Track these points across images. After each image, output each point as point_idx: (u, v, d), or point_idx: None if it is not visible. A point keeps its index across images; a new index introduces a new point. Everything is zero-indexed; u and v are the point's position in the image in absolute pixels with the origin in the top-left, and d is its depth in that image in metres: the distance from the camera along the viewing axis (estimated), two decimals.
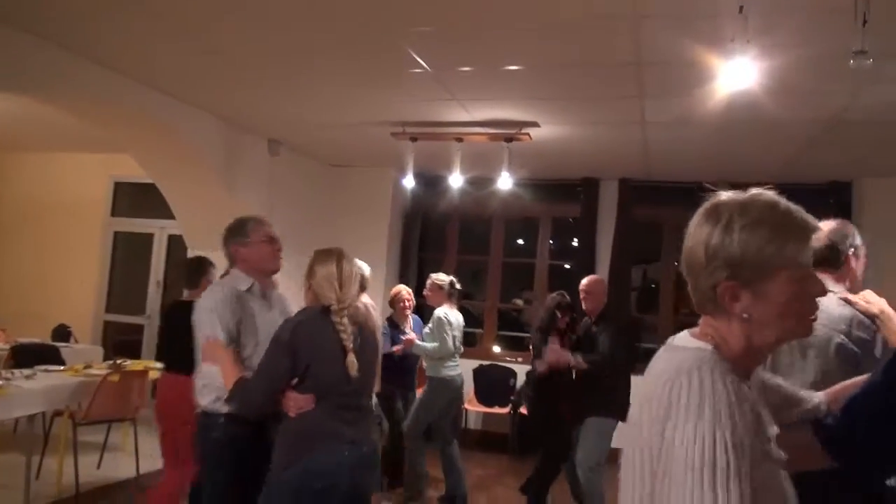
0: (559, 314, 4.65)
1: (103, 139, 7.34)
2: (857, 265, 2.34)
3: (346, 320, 2.37)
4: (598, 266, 7.03)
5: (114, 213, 8.11)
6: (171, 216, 7.74)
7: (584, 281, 4.66)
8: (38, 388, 4.30)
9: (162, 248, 7.82)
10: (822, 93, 4.01)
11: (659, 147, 5.61)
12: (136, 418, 5.06)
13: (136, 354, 7.60)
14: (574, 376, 4.49)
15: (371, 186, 7.43)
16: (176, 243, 7.80)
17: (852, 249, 2.32)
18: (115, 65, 4.58)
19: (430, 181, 7.44)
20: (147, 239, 7.91)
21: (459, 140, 5.45)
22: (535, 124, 5.19)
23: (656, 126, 5.01)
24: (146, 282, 7.83)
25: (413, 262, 7.52)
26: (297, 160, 7.02)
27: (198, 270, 4.07)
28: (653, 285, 7.79)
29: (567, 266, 7.72)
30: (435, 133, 5.46)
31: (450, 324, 4.81)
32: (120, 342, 7.82)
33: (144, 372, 5.01)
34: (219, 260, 5.26)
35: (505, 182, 5.61)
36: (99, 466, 5.18)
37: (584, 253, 7.05)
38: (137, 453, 5.00)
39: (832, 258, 2.23)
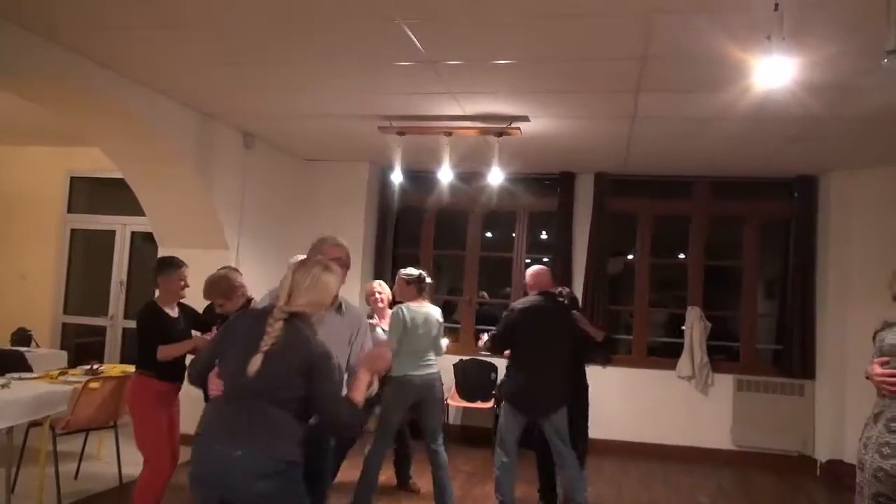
0: None
1: (58, 132, 6.98)
2: None
3: (278, 324, 2.39)
4: (575, 259, 7.09)
5: (70, 209, 7.72)
6: (133, 213, 7.46)
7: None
8: (17, 398, 4.05)
9: (125, 246, 7.48)
10: (829, 90, 4.09)
11: (642, 141, 5.67)
12: (117, 426, 4.84)
13: (98, 357, 7.27)
14: None
15: (346, 181, 7.28)
16: (140, 241, 7.49)
17: None
18: (84, 50, 4.29)
19: (407, 176, 7.37)
20: (108, 236, 7.55)
21: (448, 134, 5.38)
22: (525, 118, 5.17)
23: (646, 121, 5.06)
24: (108, 281, 7.48)
25: (388, 258, 7.43)
26: (272, 154, 6.82)
27: (155, 271, 4.11)
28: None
29: (526, 261, 7.75)
30: (423, 127, 5.38)
31: (411, 320, 4.41)
32: (80, 345, 7.48)
33: (125, 377, 4.77)
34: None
35: (495, 177, 5.59)
36: (76, 477, 4.92)
37: (562, 246, 7.10)
38: (119, 461, 4.79)
39: None
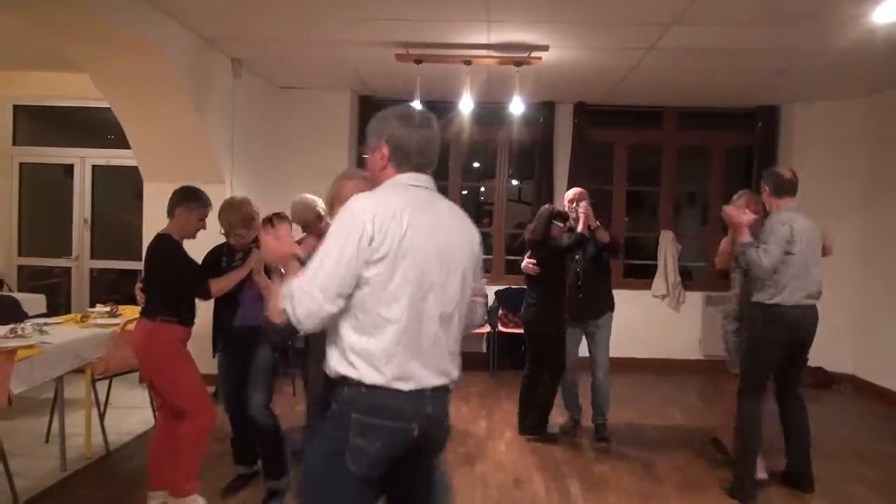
0: (557, 223, 4.74)
1: None
2: None
3: None
4: (557, 188, 7.33)
5: (16, 141, 7.04)
6: (93, 144, 6.98)
7: (570, 192, 4.93)
8: (66, 342, 3.83)
9: (86, 181, 6.95)
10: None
11: (644, 73, 5.86)
12: None
13: (65, 300, 6.89)
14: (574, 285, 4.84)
15: (329, 109, 7.09)
16: (102, 175, 7.00)
17: None
18: None
19: (387, 105, 7.27)
20: (64, 171, 6.98)
21: (468, 63, 5.34)
22: (545, 48, 5.21)
23: (662, 52, 5.23)
24: (69, 219, 6.96)
25: None
26: (255, 82, 6.51)
27: (174, 201, 3.43)
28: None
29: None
30: (442, 55, 5.30)
31: None
32: (37, 288, 6.97)
33: None
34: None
35: (517, 107, 5.63)
36: (102, 421, 4.73)
37: (543, 175, 7.30)
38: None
39: None
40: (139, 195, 6.64)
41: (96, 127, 6.98)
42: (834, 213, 6.47)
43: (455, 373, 1.92)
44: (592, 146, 7.38)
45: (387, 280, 1.77)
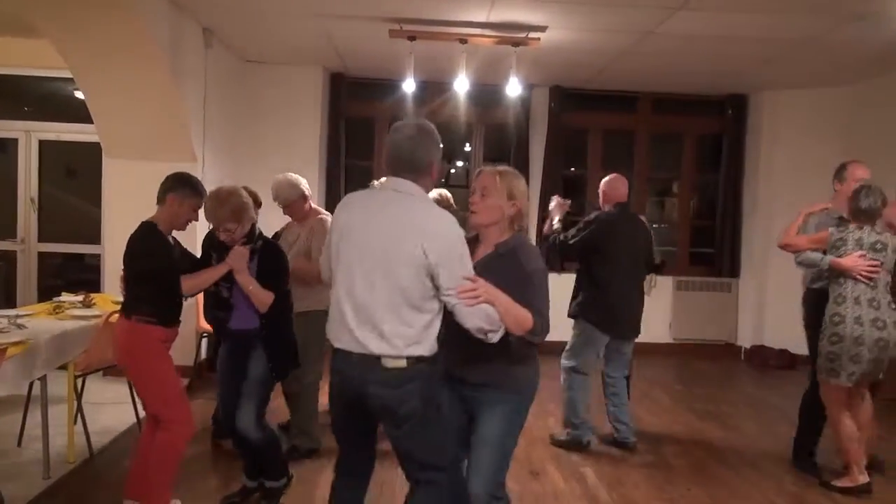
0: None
1: None
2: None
3: None
4: (532, 171, 7.26)
5: None
6: (38, 117, 6.47)
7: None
8: (51, 338, 3.46)
9: (31, 157, 6.36)
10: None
11: (633, 57, 5.83)
12: None
13: (8, 287, 6.35)
14: None
15: (300, 86, 6.78)
16: (51, 150, 6.43)
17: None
18: None
19: (363, 84, 7.07)
20: (7, 146, 6.38)
21: (463, 42, 5.15)
22: (542, 28, 5.08)
23: (659, 37, 5.19)
24: (13, 199, 6.37)
25: (340, 167, 7.11)
26: (224, 55, 6.11)
27: (166, 187, 3.12)
28: None
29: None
30: (437, 33, 5.09)
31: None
32: None
33: None
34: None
35: (514, 88, 5.47)
36: (75, 421, 4.34)
37: (519, 159, 7.21)
38: (134, 401, 4.30)
39: None
40: (71, 173, 6.18)
41: (43, 98, 6.42)
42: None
43: (379, 349, 2.18)
44: (568, 130, 7.34)
45: (334, 262, 2.32)
